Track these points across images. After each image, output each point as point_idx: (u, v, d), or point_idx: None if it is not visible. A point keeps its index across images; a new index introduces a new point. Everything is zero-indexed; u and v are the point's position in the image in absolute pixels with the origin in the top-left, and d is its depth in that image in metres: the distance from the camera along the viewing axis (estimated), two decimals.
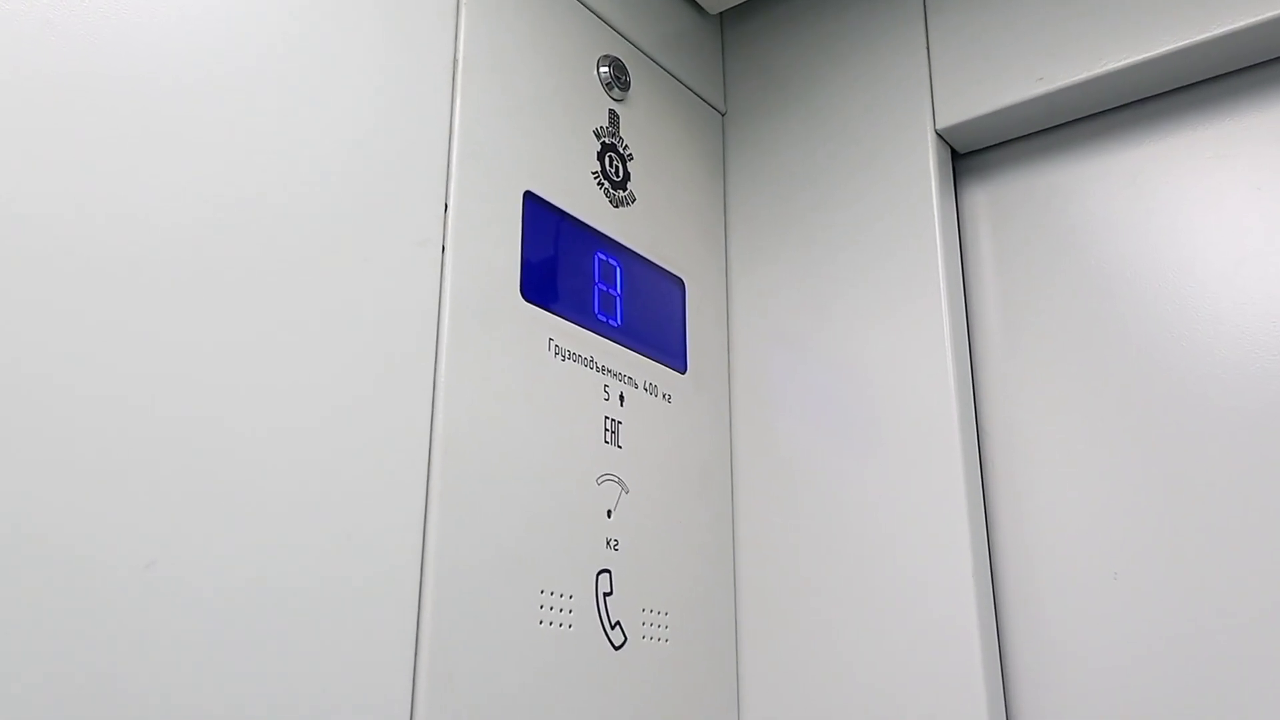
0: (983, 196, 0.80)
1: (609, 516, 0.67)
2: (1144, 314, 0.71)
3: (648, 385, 0.73)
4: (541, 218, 0.67)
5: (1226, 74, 0.72)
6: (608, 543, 0.66)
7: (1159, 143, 0.73)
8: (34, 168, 0.43)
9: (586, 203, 0.71)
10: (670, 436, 0.74)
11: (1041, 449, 0.72)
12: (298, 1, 0.56)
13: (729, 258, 0.86)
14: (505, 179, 0.65)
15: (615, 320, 0.71)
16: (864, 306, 0.77)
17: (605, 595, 0.65)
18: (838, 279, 0.79)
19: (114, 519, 0.43)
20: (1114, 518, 0.68)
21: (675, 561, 0.72)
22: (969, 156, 0.81)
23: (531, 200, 0.67)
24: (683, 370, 0.77)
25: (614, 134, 0.76)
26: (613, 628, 0.65)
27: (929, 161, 0.77)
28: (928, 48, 0.79)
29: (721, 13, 0.91)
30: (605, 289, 0.71)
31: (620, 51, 0.78)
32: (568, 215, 0.69)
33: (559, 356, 0.66)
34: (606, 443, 0.68)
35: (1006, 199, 0.79)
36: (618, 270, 0.73)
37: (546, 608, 0.60)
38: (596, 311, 0.70)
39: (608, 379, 0.69)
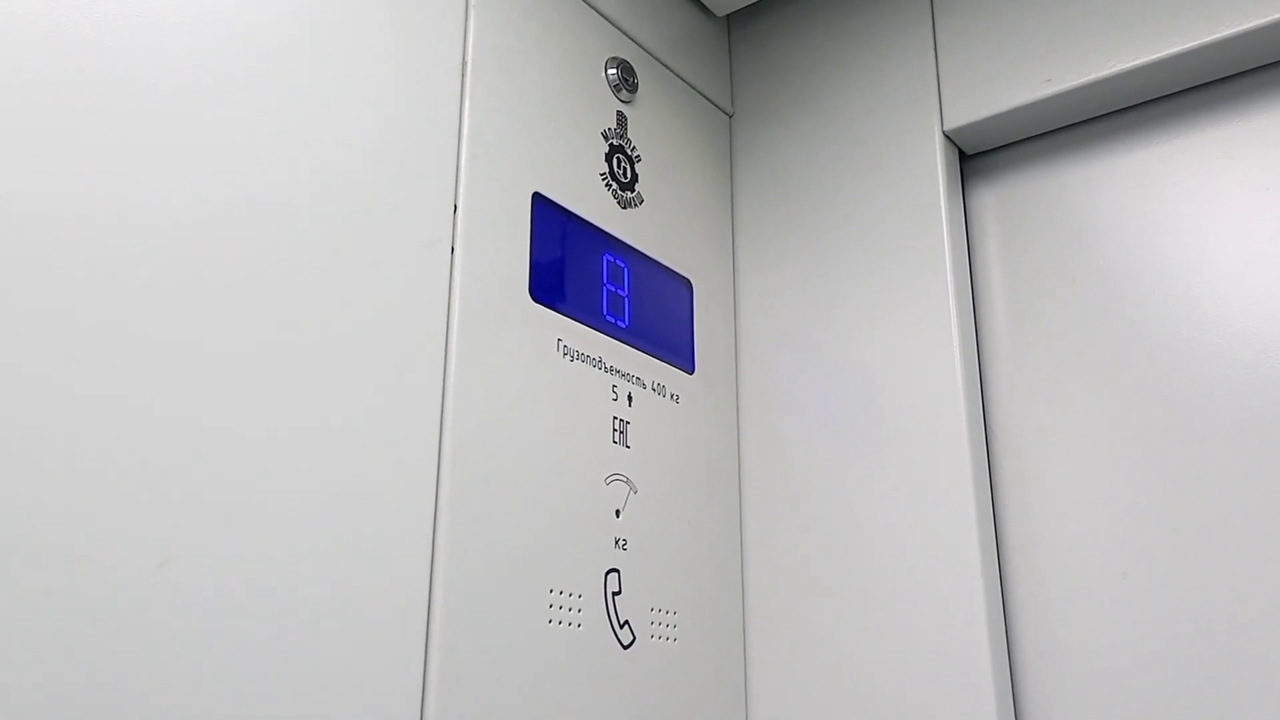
0: (990, 198, 0.80)
1: (618, 516, 0.67)
2: (1152, 315, 0.71)
3: (656, 385, 0.73)
4: (550, 219, 0.67)
5: (1234, 75, 0.72)
6: (616, 542, 0.66)
7: (1167, 144, 0.74)
8: (44, 169, 0.44)
9: (594, 204, 0.71)
10: (678, 436, 0.74)
11: (1049, 449, 0.72)
12: (307, 3, 0.56)
13: (736, 258, 0.86)
14: (514, 180, 0.65)
15: (623, 321, 0.71)
16: (872, 307, 0.77)
17: (614, 595, 0.65)
18: (845, 279, 0.79)
19: (123, 523, 0.43)
20: (1123, 517, 0.68)
21: (684, 561, 0.72)
22: (976, 158, 0.82)
23: (540, 201, 0.67)
24: (690, 370, 0.77)
25: (622, 135, 0.76)
26: (621, 627, 0.65)
27: (937, 162, 0.77)
28: (935, 49, 0.79)
29: (729, 15, 0.91)
30: (613, 290, 0.71)
31: (628, 53, 0.78)
32: (576, 216, 0.70)
33: (567, 357, 0.66)
34: (615, 443, 0.68)
35: (1014, 200, 0.79)
36: (626, 271, 0.73)
37: (556, 607, 0.61)
38: (605, 312, 0.70)
39: (616, 379, 0.70)
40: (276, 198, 0.52)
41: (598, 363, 0.68)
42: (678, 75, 0.84)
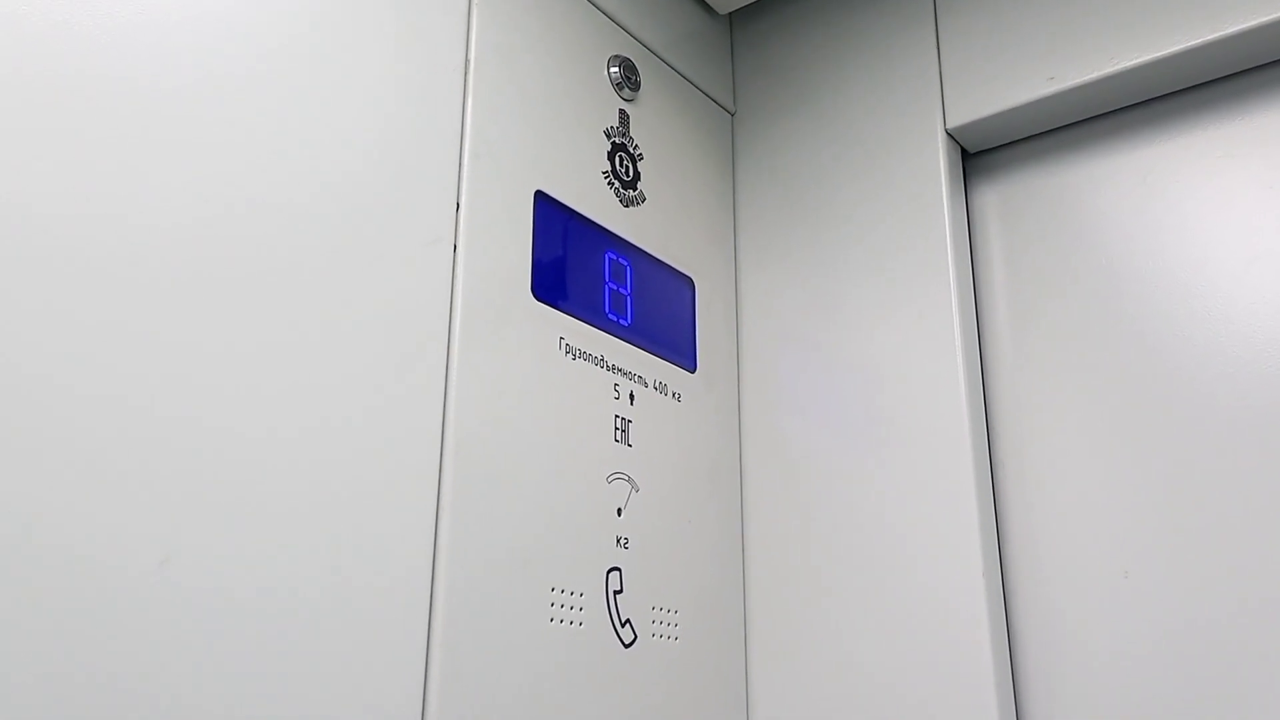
0: (993, 196, 0.80)
1: (619, 515, 0.67)
2: (1154, 313, 0.71)
3: (658, 384, 0.73)
4: (552, 217, 0.67)
5: (1237, 73, 0.71)
6: (618, 541, 0.66)
7: (1170, 142, 0.73)
8: (45, 168, 0.44)
9: (597, 202, 0.71)
10: (680, 435, 0.74)
11: (1051, 448, 0.72)
12: (310, 2, 0.56)
13: (738, 257, 0.86)
14: (516, 178, 0.65)
15: (625, 319, 0.71)
16: (874, 306, 0.77)
17: (615, 593, 0.65)
18: (847, 278, 0.79)
19: (125, 521, 0.43)
20: (1125, 517, 0.68)
21: (685, 560, 0.72)
22: (979, 156, 0.81)
23: (542, 199, 0.67)
24: (692, 369, 0.77)
25: (624, 134, 0.76)
26: (623, 626, 0.65)
27: (939, 161, 0.77)
28: (938, 47, 0.79)
29: (731, 13, 0.91)
30: (615, 288, 0.71)
31: (630, 52, 0.78)
32: (578, 214, 0.70)
33: (570, 355, 0.66)
34: (617, 441, 0.68)
35: (1017, 198, 0.79)
36: (628, 269, 0.73)
37: (557, 605, 0.61)
38: (607, 310, 0.70)
39: (618, 378, 0.69)
40: (278, 196, 0.52)
41: (600, 361, 0.68)
42: (680, 73, 0.84)
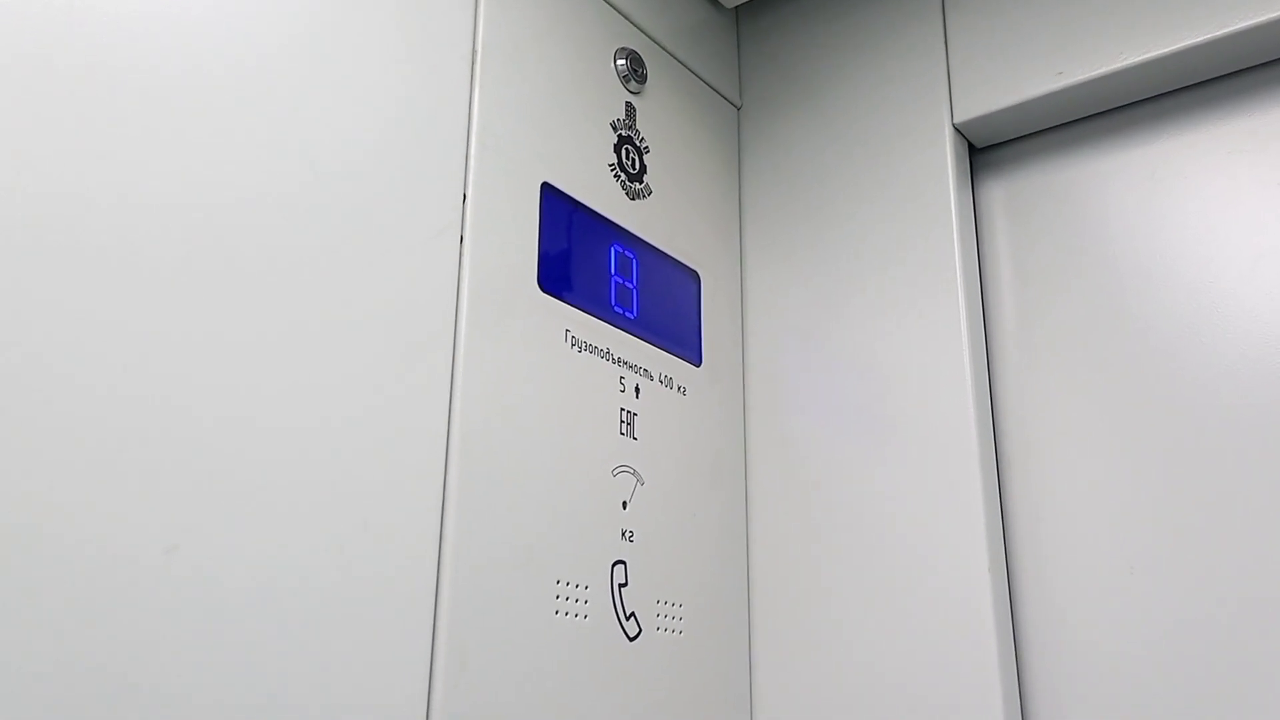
0: (1000, 191, 0.80)
1: (624, 508, 0.67)
2: (1161, 310, 0.70)
3: (663, 377, 0.73)
4: (558, 209, 0.67)
5: (1246, 70, 0.71)
6: (623, 534, 0.66)
7: (1177, 138, 0.73)
8: (51, 157, 0.44)
9: (603, 195, 0.71)
10: (685, 429, 0.74)
11: (1057, 443, 0.72)
12: None
13: (744, 251, 0.86)
14: (523, 170, 0.65)
15: (631, 312, 0.71)
16: (879, 300, 0.77)
17: (620, 586, 0.65)
18: (853, 273, 0.79)
19: (132, 510, 0.43)
20: (1130, 513, 0.68)
21: (690, 553, 0.72)
22: (986, 151, 0.81)
23: (549, 191, 0.67)
24: (698, 363, 0.77)
25: (630, 126, 0.76)
26: (628, 619, 0.65)
27: (946, 155, 0.77)
28: (946, 41, 0.79)
29: (737, 6, 0.91)
30: (621, 281, 0.71)
31: (637, 44, 0.78)
32: (584, 207, 0.69)
33: (575, 348, 0.66)
34: (622, 434, 0.68)
35: (1024, 194, 0.79)
36: (634, 262, 0.73)
37: (562, 598, 0.61)
38: (613, 303, 0.70)
39: (624, 371, 0.69)
40: (284, 187, 0.52)
41: (605, 354, 0.68)
42: (686, 67, 0.83)
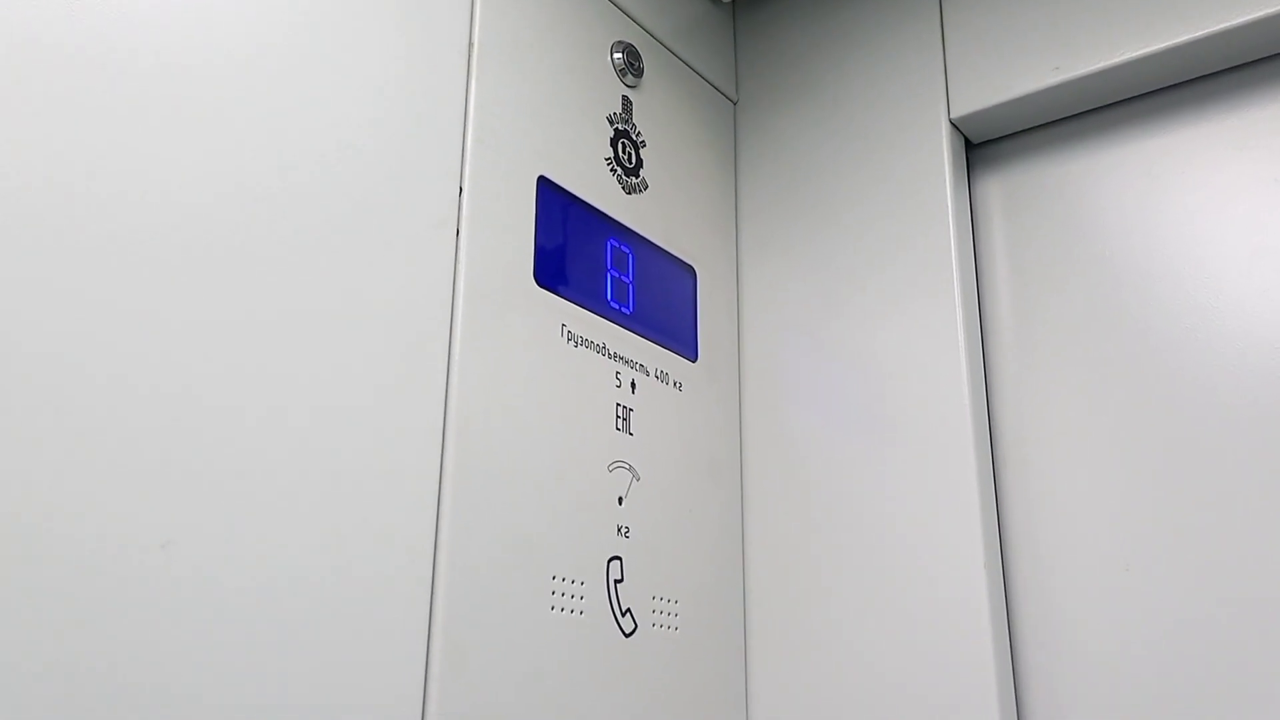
0: (996, 187, 0.80)
1: (620, 504, 0.66)
2: (1158, 306, 0.70)
3: (659, 373, 0.73)
4: (555, 203, 0.67)
5: (1244, 65, 0.71)
6: (619, 530, 0.66)
7: (1175, 134, 0.73)
8: (50, 147, 0.43)
9: (599, 189, 0.71)
10: (681, 424, 0.74)
11: (1054, 441, 0.72)
12: None
13: (740, 246, 0.86)
14: (519, 163, 0.65)
15: (627, 307, 0.71)
16: (876, 296, 0.77)
17: (616, 582, 0.65)
18: (849, 268, 0.79)
19: (127, 506, 0.43)
20: (1126, 511, 0.68)
21: (686, 549, 0.71)
22: (983, 146, 0.81)
23: (545, 185, 0.66)
24: (693, 359, 0.77)
25: (627, 120, 0.75)
26: (623, 615, 0.65)
27: (943, 151, 0.77)
28: (942, 36, 0.79)
29: (734, 1, 0.91)
30: (617, 276, 0.71)
31: (634, 38, 0.77)
32: (581, 201, 0.69)
33: (571, 342, 0.66)
34: (618, 430, 0.68)
35: (1020, 189, 0.79)
36: (630, 257, 0.72)
37: (558, 594, 0.60)
38: (609, 298, 0.70)
39: (620, 366, 0.69)
40: (281, 180, 0.51)
41: (601, 349, 0.68)
42: (683, 61, 0.83)
